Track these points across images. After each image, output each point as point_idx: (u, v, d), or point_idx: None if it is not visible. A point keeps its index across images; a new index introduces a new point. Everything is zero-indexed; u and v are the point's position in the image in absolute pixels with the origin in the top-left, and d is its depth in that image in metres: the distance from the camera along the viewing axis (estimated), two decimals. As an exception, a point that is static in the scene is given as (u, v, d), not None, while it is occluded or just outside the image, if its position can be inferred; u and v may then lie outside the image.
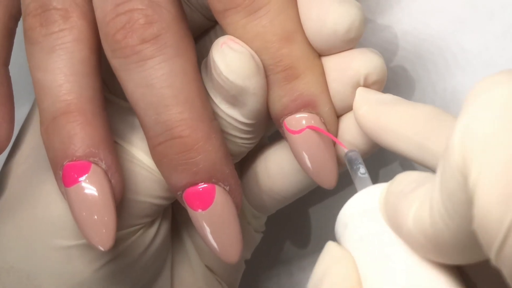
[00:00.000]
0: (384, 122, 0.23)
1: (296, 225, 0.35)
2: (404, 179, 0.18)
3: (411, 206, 0.16)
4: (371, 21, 0.29)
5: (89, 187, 0.24)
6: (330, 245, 0.19)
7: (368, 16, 0.29)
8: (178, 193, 0.25)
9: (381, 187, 0.19)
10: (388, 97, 0.24)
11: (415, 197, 0.16)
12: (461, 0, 0.26)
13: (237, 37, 0.24)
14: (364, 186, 0.21)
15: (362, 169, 0.22)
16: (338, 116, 0.26)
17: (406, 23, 0.28)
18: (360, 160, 0.23)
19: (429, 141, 0.21)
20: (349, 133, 0.26)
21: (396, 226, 0.17)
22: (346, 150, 0.24)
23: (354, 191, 0.31)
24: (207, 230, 0.25)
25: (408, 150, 0.22)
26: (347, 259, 0.18)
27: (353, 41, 0.24)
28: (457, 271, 0.17)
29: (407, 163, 0.30)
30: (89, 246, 0.25)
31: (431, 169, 0.21)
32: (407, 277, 0.17)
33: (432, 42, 0.27)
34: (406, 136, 0.22)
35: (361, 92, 0.24)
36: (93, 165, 0.24)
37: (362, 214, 0.19)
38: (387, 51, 0.28)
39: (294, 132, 0.25)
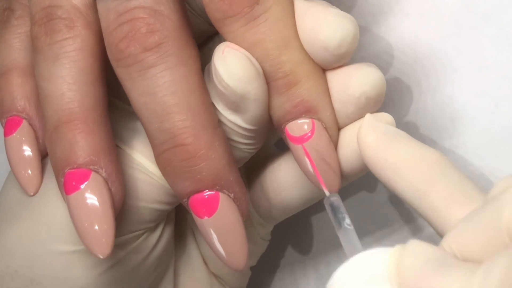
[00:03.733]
0: (388, 159, 0.22)
1: (300, 232, 0.35)
2: (419, 253, 0.17)
3: None
4: (367, 28, 0.29)
5: (89, 195, 0.24)
6: None
7: (364, 23, 0.29)
8: (184, 200, 0.25)
9: (384, 251, 0.18)
10: (396, 131, 0.23)
11: (451, 281, 0.16)
12: (456, 4, 0.26)
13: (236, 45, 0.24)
14: (350, 239, 0.21)
15: (348, 220, 0.21)
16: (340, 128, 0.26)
17: (403, 27, 0.28)
18: (343, 207, 0.22)
19: (430, 191, 0.21)
20: (346, 148, 0.25)
21: None
22: (327, 194, 0.23)
23: (357, 201, 0.31)
24: (213, 237, 0.25)
25: (406, 193, 0.21)
26: None
27: (344, 56, 0.24)
28: None
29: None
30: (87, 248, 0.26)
31: (423, 217, 0.21)
32: None
33: (429, 46, 0.27)
34: (408, 178, 0.21)
35: (369, 120, 0.24)
36: (93, 173, 0.24)
37: (365, 281, 0.18)
38: (384, 57, 0.29)
39: (295, 140, 0.25)
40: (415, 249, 0.18)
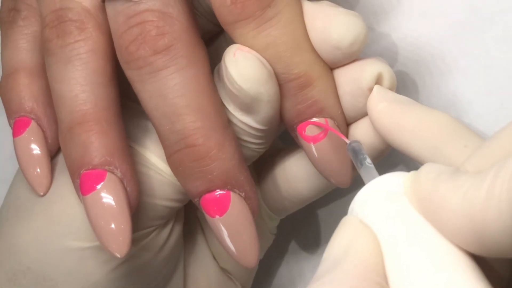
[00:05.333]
0: (401, 121, 0.23)
1: (305, 225, 0.35)
2: (433, 169, 0.18)
3: (457, 190, 0.16)
4: (371, 27, 0.29)
5: (105, 195, 0.24)
6: (351, 220, 0.19)
7: (369, 22, 0.29)
8: (196, 199, 0.25)
9: (401, 174, 0.19)
10: (405, 98, 0.24)
11: (461, 182, 0.16)
12: (461, 3, 0.27)
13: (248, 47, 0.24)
14: (371, 175, 0.21)
15: (368, 159, 0.22)
16: (350, 123, 0.26)
17: (407, 27, 0.28)
18: (364, 150, 0.23)
19: (445, 146, 0.21)
20: (362, 138, 0.26)
21: (430, 209, 0.17)
22: (348, 142, 0.24)
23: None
24: (225, 236, 0.25)
25: (421, 152, 0.22)
26: (371, 235, 0.18)
27: (355, 53, 0.24)
28: (476, 258, 0.17)
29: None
30: (103, 248, 0.26)
31: None
32: (434, 258, 0.17)
33: (433, 46, 0.27)
34: (422, 137, 0.22)
35: (378, 89, 0.25)
36: (108, 174, 0.24)
37: (386, 197, 0.19)
38: (388, 55, 0.29)
39: (309, 139, 0.25)
40: (430, 167, 0.18)
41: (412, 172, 0.19)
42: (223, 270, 0.32)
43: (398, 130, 0.23)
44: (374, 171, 0.22)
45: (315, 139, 0.25)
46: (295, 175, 0.29)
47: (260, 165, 0.31)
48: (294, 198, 0.30)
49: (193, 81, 0.24)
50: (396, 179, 0.19)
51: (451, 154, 0.21)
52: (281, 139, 0.32)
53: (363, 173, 0.22)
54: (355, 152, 0.23)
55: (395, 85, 0.25)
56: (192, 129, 0.24)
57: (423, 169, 0.18)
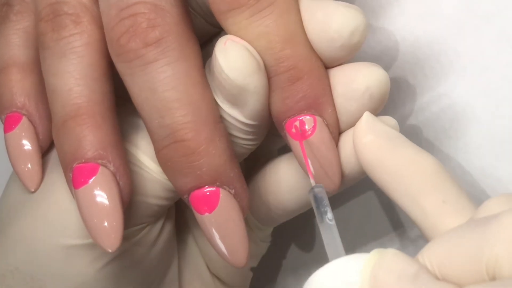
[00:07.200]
0: (385, 161, 0.22)
1: (302, 233, 0.35)
2: (394, 267, 0.17)
3: None
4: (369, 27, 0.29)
5: (97, 189, 0.24)
6: None
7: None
8: (185, 196, 0.25)
9: (359, 259, 0.18)
10: (393, 132, 0.23)
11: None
12: (457, 4, 0.26)
13: (240, 37, 0.24)
14: (331, 235, 0.20)
15: (330, 214, 0.21)
16: (342, 129, 0.26)
17: (403, 28, 0.28)
18: (327, 200, 0.22)
19: (424, 198, 0.21)
20: (349, 150, 0.25)
21: None
22: (313, 184, 0.23)
23: (360, 201, 0.31)
24: (214, 234, 0.25)
25: (400, 199, 0.22)
26: None
27: (355, 46, 0.24)
28: None
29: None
30: (92, 246, 0.26)
31: (415, 222, 0.21)
32: None
33: (429, 47, 0.27)
34: (402, 184, 0.22)
35: (367, 119, 0.24)
36: (101, 167, 0.24)
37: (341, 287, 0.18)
38: (384, 57, 0.29)
39: (296, 136, 0.25)
40: (390, 262, 0.18)
41: (372, 257, 0.18)
42: (216, 278, 0.32)
43: (381, 170, 0.22)
44: (335, 230, 0.21)
45: (302, 136, 0.25)
46: (280, 186, 0.28)
47: (246, 173, 0.30)
48: (279, 211, 0.29)
49: (184, 75, 0.24)
50: (355, 264, 0.18)
51: (427, 208, 0.21)
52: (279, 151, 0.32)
53: (322, 230, 0.21)
54: (316, 200, 0.22)
55: (388, 92, 0.25)
56: (181, 123, 0.24)
57: (383, 264, 0.18)
